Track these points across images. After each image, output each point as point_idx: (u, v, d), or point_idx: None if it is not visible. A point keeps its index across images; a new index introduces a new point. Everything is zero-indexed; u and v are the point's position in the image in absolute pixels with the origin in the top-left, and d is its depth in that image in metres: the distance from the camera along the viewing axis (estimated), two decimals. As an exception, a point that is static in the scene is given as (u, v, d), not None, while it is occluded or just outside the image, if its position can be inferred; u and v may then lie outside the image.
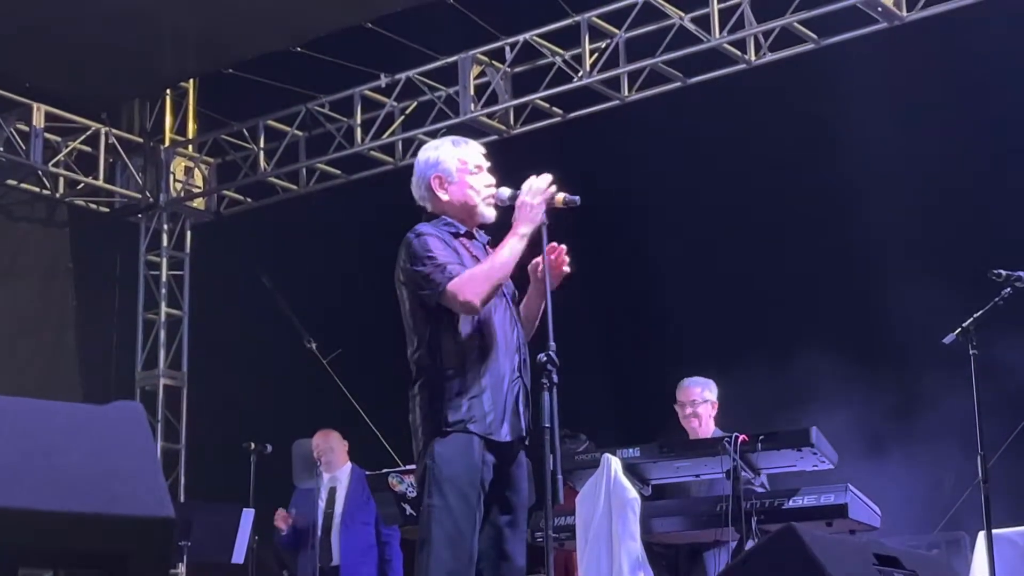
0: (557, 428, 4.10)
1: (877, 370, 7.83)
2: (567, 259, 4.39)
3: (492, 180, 4.49)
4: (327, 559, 8.07)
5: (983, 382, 5.82)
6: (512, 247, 4.28)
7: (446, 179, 4.46)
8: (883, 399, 7.66)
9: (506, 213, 4.46)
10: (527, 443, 4.36)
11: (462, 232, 4.45)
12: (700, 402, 6.66)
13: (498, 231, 4.49)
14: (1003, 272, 5.97)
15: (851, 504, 5.75)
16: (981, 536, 5.97)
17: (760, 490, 6.10)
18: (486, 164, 4.52)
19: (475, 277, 4.23)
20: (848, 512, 5.74)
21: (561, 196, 4.35)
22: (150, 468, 2.62)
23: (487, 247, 4.49)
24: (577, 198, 4.35)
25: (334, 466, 8.24)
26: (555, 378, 4.13)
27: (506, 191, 4.45)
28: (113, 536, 2.48)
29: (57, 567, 2.48)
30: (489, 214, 4.48)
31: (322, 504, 8.16)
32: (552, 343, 4.18)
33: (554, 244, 4.36)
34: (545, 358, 4.14)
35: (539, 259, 4.34)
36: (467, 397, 4.23)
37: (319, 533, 8.06)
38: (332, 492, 8.21)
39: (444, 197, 4.46)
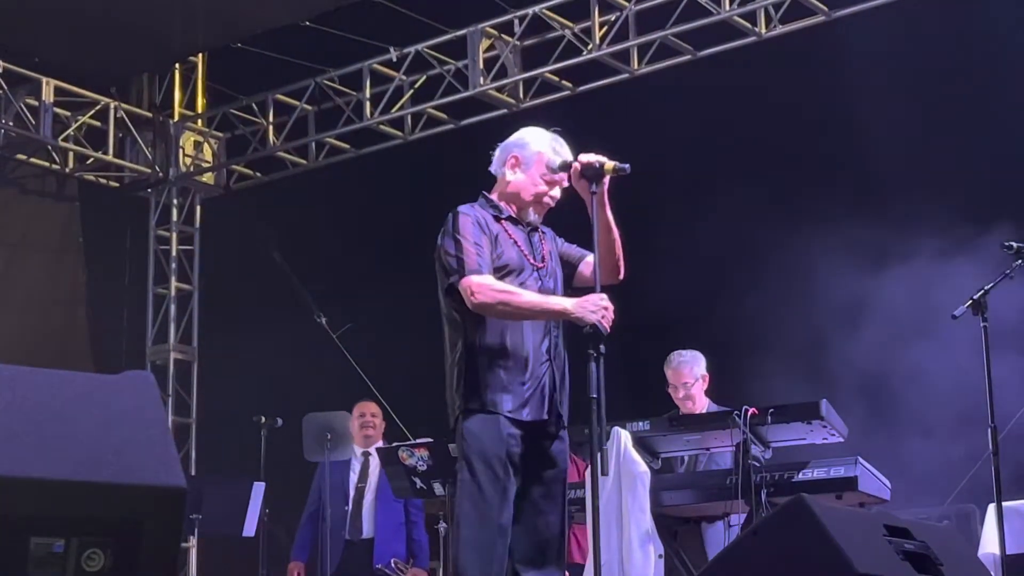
0: (603, 399, 4.11)
1: (889, 343, 7.81)
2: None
3: (559, 194, 4.49)
4: (356, 532, 7.93)
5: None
6: (549, 307, 4.32)
7: (522, 162, 4.49)
8: (892, 373, 7.65)
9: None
10: (564, 421, 4.40)
11: (504, 216, 4.47)
12: (692, 383, 6.55)
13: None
14: (1014, 244, 5.96)
15: (861, 477, 5.71)
16: (991, 508, 5.97)
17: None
18: (563, 181, 4.47)
19: (503, 295, 4.27)
20: (858, 485, 5.70)
21: (611, 164, 4.34)
22: (161, 437, 2.63)
23: (532, 235, 4.50)
24: (627, 165, 4.34)
25: (374, 440, 8.11)
26: (602, 349, 4.15)
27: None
28: (125, 505, 2.49)
29: (69, 536, 2.49)
30: (533, 216, 4.50)
31: (354, 476, 8.04)
32: None
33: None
34: (591, 329, 4.16)
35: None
36: (489, 381, 4.30)
37: (349, 506, 7.95)
38: (365, 465, 8.08)
39: (509, 177, 4.51)
